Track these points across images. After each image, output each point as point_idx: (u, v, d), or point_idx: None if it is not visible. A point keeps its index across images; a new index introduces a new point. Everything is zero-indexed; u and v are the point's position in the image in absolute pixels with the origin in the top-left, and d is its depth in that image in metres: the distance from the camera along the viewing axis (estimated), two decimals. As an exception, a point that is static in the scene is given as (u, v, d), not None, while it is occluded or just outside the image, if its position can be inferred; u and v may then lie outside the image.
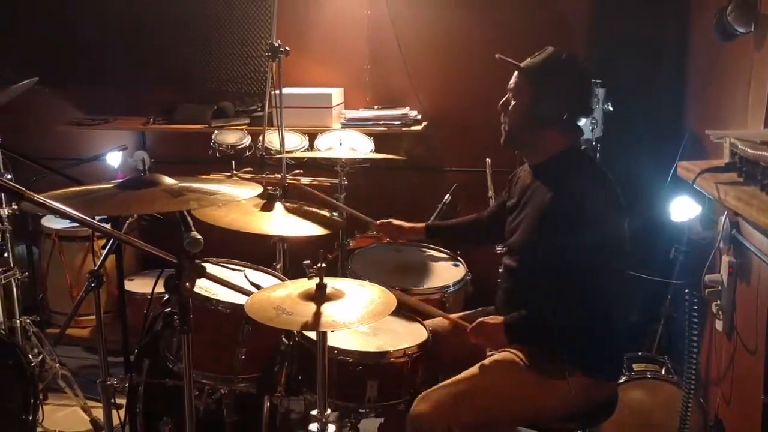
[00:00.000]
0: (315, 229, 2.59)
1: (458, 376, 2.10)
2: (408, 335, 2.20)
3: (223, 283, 1.80)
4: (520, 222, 2.21)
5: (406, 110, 3.78)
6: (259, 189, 1.85)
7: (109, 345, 2.32)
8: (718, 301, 2.59)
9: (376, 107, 3.85)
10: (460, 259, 2.85)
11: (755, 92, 2.40)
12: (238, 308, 2.02)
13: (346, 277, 2.73)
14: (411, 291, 2.57)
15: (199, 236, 2.14)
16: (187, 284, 1.63)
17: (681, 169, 1.99)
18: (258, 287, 2.12)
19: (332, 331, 1.90)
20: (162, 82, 4.12)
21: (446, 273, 2.75)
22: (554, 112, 2.10)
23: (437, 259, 2.88)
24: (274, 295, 1.82)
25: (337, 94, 3.83)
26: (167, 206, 1.57)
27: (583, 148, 2.19)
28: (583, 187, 2.05)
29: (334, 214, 2.91)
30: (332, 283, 1.84)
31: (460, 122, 3.80)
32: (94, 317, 2.29)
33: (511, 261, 2.24)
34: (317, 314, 1.70)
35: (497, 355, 2.14)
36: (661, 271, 3.05)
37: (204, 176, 3.63)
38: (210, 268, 1.86)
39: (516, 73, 2.17)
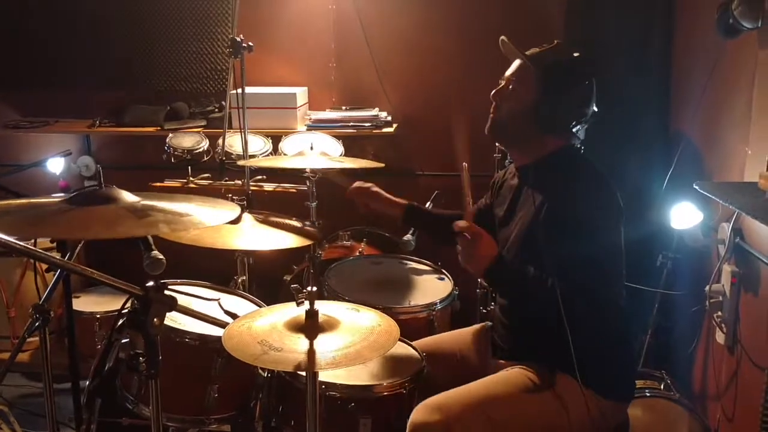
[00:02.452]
0: (286, 242, 2.34)
1: (464, 386, 1.87)
2: (401, 363, 1.97)
3: (195, 316, 1.53)
4: (511, 232, 2.01)
5: (375, 111, 3.56)
6: (237, 209, 1.57)
7: (55, 370, 2.03)
8: (719, 313, 2.46)
9: (343, 108, 3.62)
10: (444, 271, 2.64)
11: (760, 91, 2.26)
12: (207, 340, 1.76)
13: (322, 293, 2.49)
14: (395, 309, 2.34)
15: (161, 256, 1.88)
16: (156, 320, 1.36)
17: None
18: (234, 316, 1.85)
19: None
20: (109, 80, 3.79)
21: (432, 288, 2.53)
22: (562, 119, 1.89)
23: (420, 273, 2.66)
24: (255, 326, 1.56)
25: (301, 94, 3.58)
26: (133, 229, 1.30)
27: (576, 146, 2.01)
28: (577, 189, 1.86)
29: (307, 223, 2.67)
30: (323, 309, 1.59)
31: (434, 124, 3.59)
32: (36, 338, 1.95)
33: None
34: (311, 350, 1.46)
35: (507, 371, 1.93)
36: (646, 279, 2.90)
37: (158, 184, 3.38)
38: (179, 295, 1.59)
39: (518, 62, 1.95)
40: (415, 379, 1.91)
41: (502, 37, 1.94)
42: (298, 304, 1.56)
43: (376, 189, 2.46)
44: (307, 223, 2.66)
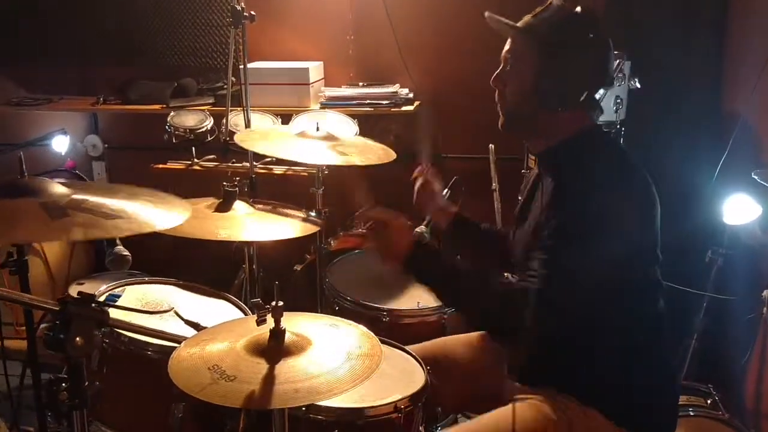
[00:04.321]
0: (284, 233, 2.10)
1: (474, 421, 1.65)
2: (399, 379, 1.70)
3: (137, 331, 1.29)
4: (526, 231, 1.72)
5: (395, 88, 3.28)
6: (187, 213, 1.33)
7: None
8: (778, 322, 2.14)
9: (360, 84, 3.35)
10: (462, 268, 2.35)
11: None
12: (170, 352, 1.52)
13: (324, 292, 2.24)
14: (401, 312, 2.08)
15: (126, 252, 1.67)
16: (78, 340, 1.13)
17: None
18: (197, 327, 1.60)
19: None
20: (116, 56, 3.57)
21: (445, 287, 2.24)
22: (570, 90, 1.59)
23: (434, 269, 2.37)
24: (211, 347, 1.31)
25: (315, 69, 3.31)
26: (37, 233, 1.06)
27: (602, 127, 1.69)
28: (596, 177, 1.56)
29: (311, 213, 2.42)
30: (294, 325, 1.33)
31: (459, 102, 3.29)
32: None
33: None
34: (269, 380, 1.20)
35: (524, 403, 1.66)
36: (691, 278, 2.56)
37: (160, 165, 3.17)
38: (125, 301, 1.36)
39: (512, 37, 1.67)
40: (417, 398, 1.65)
41: (487, 13, 1.66)
42: (259, 324, 1.29)
43: (437, 187, 2.14)
44: (312, 213, 2.43)
